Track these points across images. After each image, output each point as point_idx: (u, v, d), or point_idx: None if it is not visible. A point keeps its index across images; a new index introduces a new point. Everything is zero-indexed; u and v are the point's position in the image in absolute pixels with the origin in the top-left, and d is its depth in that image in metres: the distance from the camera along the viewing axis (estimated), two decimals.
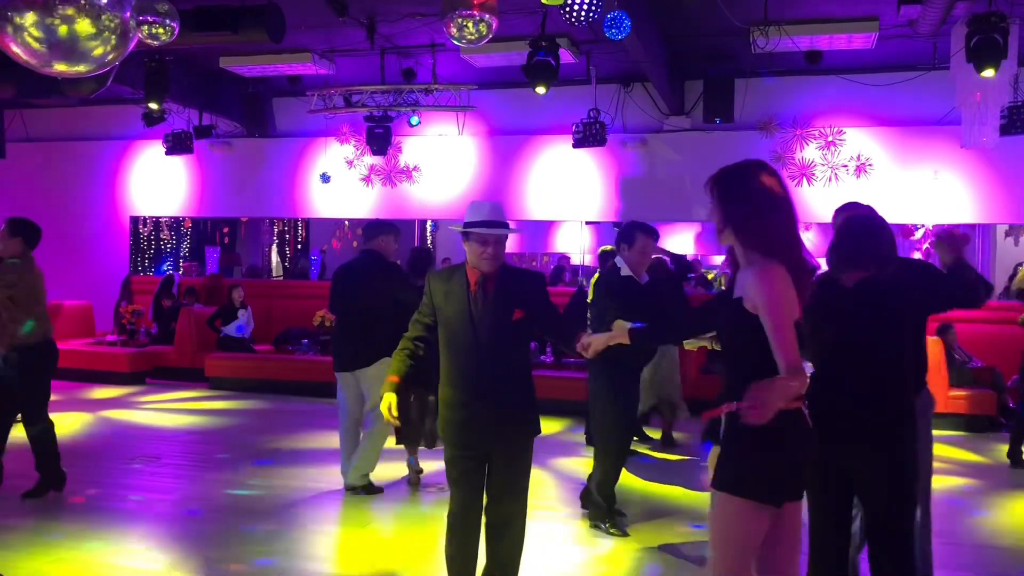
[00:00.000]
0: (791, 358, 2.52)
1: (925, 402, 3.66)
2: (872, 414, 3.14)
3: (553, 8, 6.71)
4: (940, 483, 6.45)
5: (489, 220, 3.61)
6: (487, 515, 3.59)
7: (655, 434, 7.76)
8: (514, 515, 3.60)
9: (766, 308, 2.56)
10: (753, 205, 2.64)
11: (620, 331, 3.34)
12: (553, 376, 9.04)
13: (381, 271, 5.91)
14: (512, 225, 3.72)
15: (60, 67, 3.47)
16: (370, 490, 5.95)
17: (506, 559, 3.61)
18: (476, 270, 3.63)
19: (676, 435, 7.71)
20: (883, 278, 3.23)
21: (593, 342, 3.45)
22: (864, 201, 3.81)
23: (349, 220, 13.54)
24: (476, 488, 3.56)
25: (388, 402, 3.57)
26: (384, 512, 5.67)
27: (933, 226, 12.16)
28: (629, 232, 5.12)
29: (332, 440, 6.76)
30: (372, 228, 6.11)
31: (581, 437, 7.69)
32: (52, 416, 7.89)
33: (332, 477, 6.26)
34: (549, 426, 7.98)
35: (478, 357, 3.54)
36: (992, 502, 6.16)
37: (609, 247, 7.75)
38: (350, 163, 11.91)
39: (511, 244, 15.35)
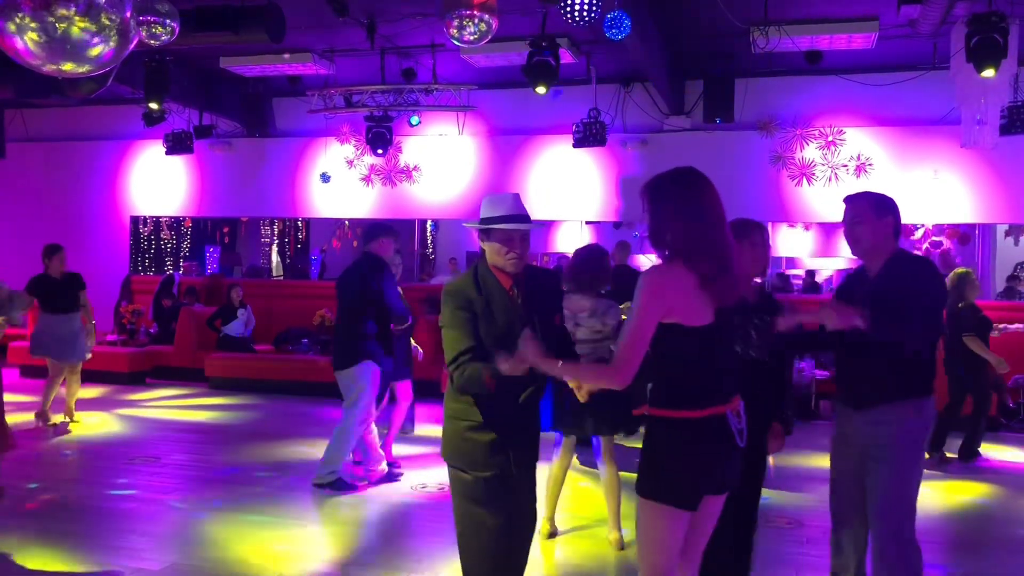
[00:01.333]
0: (624, 352, 2.60)
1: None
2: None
3: (553, 8, 6.71)
4: (938, 484, 6.45)
5: (514, 214, 3.19)
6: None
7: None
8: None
9: (633, 303, 2.63)
10: (676, 209, 2.71)
11: None
12: None
13: (363, 273, 5.93)
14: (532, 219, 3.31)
15: (62, 67, 3.48)
16: (339, 486, 5.96)
17: None
18: (502, 272, 3.22)
19: None
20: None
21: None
22: None
23: (349, 220, 13.56)
24: (509, 506, 3.25)
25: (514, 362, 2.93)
26: (383, 512, 5.67)
27: (933, 226, 12.19)
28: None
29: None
30: (371, 230, 6.14)
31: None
32: (52, 416, 7.94)
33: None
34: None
35: (532, 368, 3.04)
36: (992, 501, 6.16)
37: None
38: (350, 163, 11.92)
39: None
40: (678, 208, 2.70)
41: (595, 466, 5.23)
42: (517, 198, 3.26)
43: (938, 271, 3.58)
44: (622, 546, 4.84)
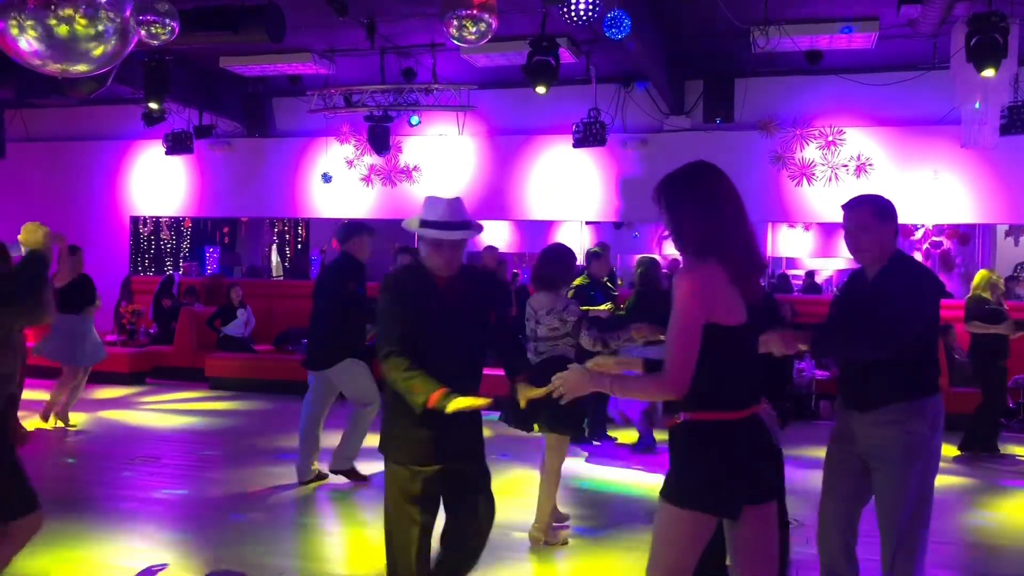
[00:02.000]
0: (675, 357, 2.50)
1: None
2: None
3: (553, 8, 6.71)
4: (939, 481, 6.45)
5: (445, 221, 3.23)
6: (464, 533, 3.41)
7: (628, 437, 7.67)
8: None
9: (674, 308, 2.54)
10: (700, 206, 2.60)
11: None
12: None
13: (331, 273, 5.99)
14: (473, 223, 3.36)
15: (60, 67, 3.48)
16: (353, 475, 6.03)
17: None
18: (437, 272, 3.31)
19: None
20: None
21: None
22: None
23: (349, 220, 13.55)
24: (434, 507, 3.32)
25: (465, 405, 3.07)
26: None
27: (933, 226, 12.18)
28: None
29: (332, 440, 6.76)
30: (344, 230, 6.11)
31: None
32: (53, 412, 7.92)
33: (333, 476, 6.27)
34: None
35: (458, 365, 3.23)
36: (990, 501, 6.16)
37: (597, 248, 7.70)
38: (350, 163, 11.92)
39: (512, 244, 15.43)
40: (700, 205, 2.60)
41: None
42: (454, 203, 3.28)
43: (932, 275, 3.55)
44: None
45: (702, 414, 2.55)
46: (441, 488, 3.30)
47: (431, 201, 3.31)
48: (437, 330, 3.23)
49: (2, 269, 3.90)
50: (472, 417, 3.27)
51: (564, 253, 5.13)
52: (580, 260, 12.04)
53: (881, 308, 3.27)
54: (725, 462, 2.53)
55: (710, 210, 2.58)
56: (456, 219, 3.26)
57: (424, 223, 3.26)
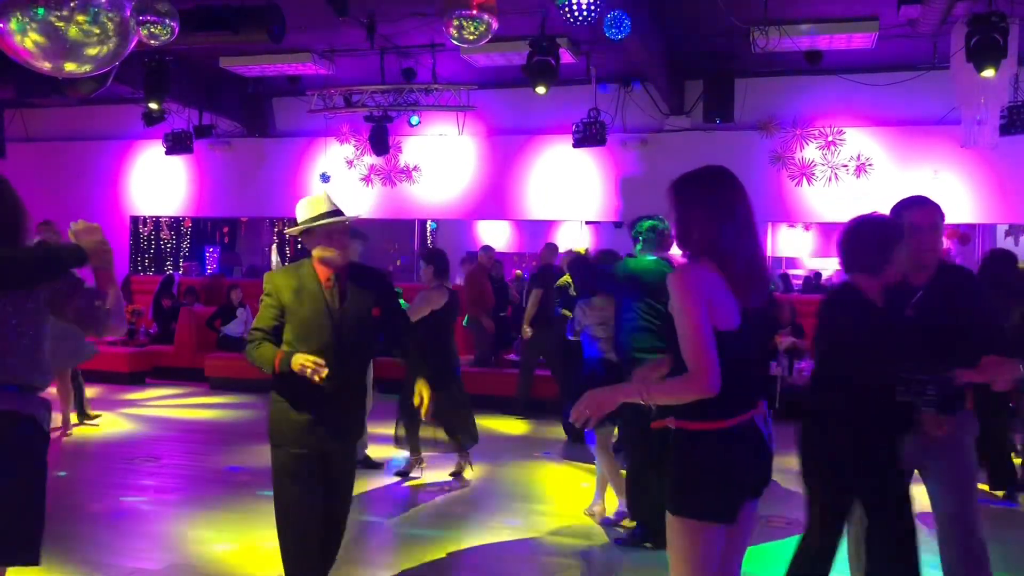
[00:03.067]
0: (694, 359, 2.45)
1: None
2: None
3: (553, 8, 6.71)
4: None
5: (333, 211, 3.49)
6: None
7: None
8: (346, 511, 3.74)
9: (676, 309, 2.51)
10: (708, 209, 2.59)
11: None
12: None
13: None
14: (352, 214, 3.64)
15: (61, 67, 3.48)
16: (368, 463, 6.34)
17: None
18: (325, 266, 3.50)
19: None
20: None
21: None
22: (864, 201, 3.76)
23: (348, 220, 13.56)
24: (313, 486, 3.57)
25: (302, 361, 3.32)
26: (383, 511, 5.66)
27: None
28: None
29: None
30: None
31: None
32: (53, 416, 7.90)
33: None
34: (554, 428, 7.99)
35: (340, 357, 3.42)
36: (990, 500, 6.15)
37: (582, 248, 7.74)
38: (350, 163, 11.92)
39: (512, 244, 15.41)
40: (709, 209, 2.58)
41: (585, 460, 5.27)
42: (329, 197, 3.55)
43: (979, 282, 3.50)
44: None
45: (694, 424, 2.53)
46: (319, 467, 3.54)
47: (310, 200, 3.53)
48: (311, 322, 3.44)
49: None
50: (352, 403, 3.59)
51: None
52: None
53: (980, 316, 3.22)
54: (719, 470, 2.52)
55: (718, 218, 2.57)
56: (338, 208, 3.52)
57: (309, 221, 3.46)
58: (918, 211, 3.29)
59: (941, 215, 3.33)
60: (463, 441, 6.13)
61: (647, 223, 4.89)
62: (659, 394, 2.57)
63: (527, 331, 8.39)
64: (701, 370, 2.43)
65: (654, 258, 4.82)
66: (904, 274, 3.27)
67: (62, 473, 6.52)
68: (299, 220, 3.50)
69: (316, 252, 3.49)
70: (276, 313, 3.47)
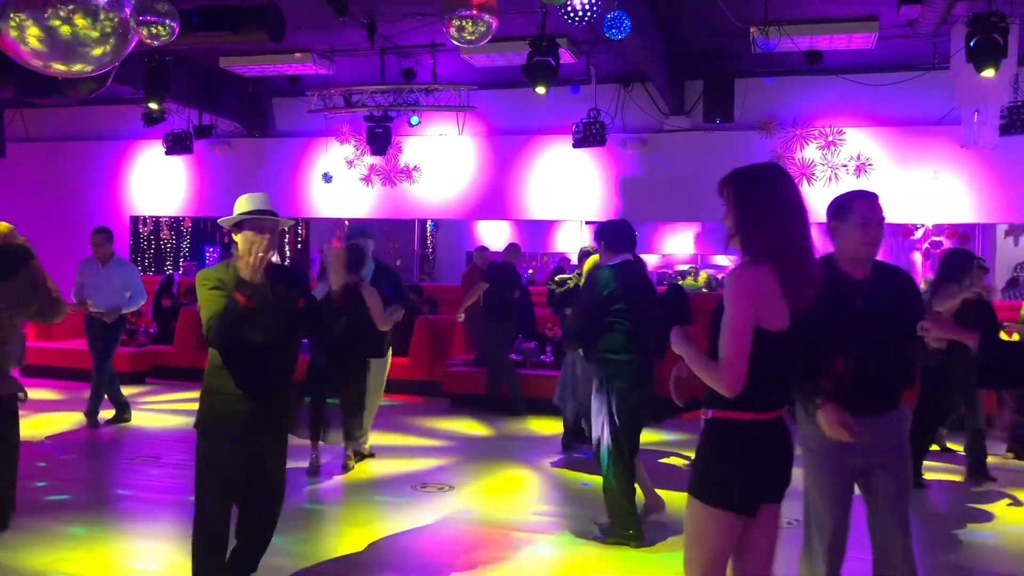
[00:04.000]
0: (727, 355, 2.51)
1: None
2: None
3: (553, 8, 6.71)
4: (936, 478, 6.45)
5: (265, 209, 3.76)
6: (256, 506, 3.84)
7: None
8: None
9: (726, 305, 2.55)
10: (768, 209, 2.60)
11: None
12: (553, 376, 9.00)
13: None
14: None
15: (60, 67, 3.48)
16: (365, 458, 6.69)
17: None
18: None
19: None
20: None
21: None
22: None
23: (349, 220, 13.56)
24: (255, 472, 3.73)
25: (250, 242, 3.64)
26: (383, 511, 5.66)
27: (933, 226, 12.18)
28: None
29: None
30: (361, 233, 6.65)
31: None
32: (53, 416, 7.93)
33: (333, 477, 6.27)
34: (552, 426, 7.99)
35: (269, 349, 3.67)
36: (988, 500, 6.15)
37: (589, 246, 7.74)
38: (350, 163, 11.92)
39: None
40: (776, 210, 2.59)
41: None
42: (267, 197, 3.85)
43: None
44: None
45: (731, 413, 2.58)
46: (247, 456, 3.68)
47: (248, 197, 3.82)
48: (252, 320, 3.59)
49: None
50: (280, 398, 3.77)
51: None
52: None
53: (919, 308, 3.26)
54: (751, 462, 2.59)
55: (779, 218, 2.58)
56: (273, 209, 3.81)
57: (246, 213, 3.72)
58: (868, 203, 3.22)
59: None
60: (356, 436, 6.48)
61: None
62: (695, 361, 2.63)
63: (461, 316, 9.08)
64: (728, 368, 2.50)
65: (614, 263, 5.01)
66: (841, 267, 3.21)
67: (68, 450, 6.52)
68: (236, 211, 3.78)
69: (242, 246, 3.69)
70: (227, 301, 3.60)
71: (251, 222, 3.70)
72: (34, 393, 8.32)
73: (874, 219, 3.20)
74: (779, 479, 2.66)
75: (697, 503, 2.64)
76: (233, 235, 3.81)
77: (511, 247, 9.69)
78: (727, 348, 2.51)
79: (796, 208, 2.61)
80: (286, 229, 3.81)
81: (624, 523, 4.86)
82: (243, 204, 3.80)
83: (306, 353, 6.85)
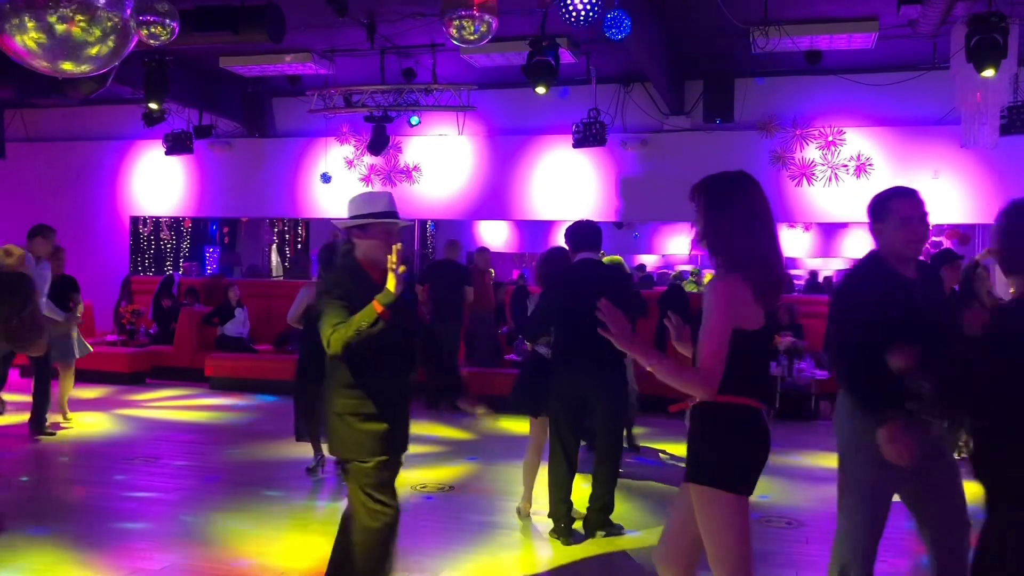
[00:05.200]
0: (706, 361, 2.65)
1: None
2: None
3: (553, 8, 6.71)
4: None
5: (391, 211, 3.41)
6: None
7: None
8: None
9: (707, 312, 2.69)
10: (736, 219, 2.73)
11: None
12: None
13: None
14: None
15: (63, 67, 3.48)
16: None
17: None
18: (374, 268, 3.38)
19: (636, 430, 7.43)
20: None
21: None
22: (864, 201, 3.67)
23: None
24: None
25: (392, 262, 3.25)
26: None
27: (933, 226, 12.17)
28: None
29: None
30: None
31: None
32: (53, 415, 7.93)
33: (332, 477, 6.28)
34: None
35: (408, 361, 3.48)
36: None
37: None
38: (350, 163, 11.92)
39: (512, 245, 15.41)
40: (738, 222, 2.73)
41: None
42: (392, 197, 3.48)
43: None
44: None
45: (732, 398, 2.69)
46: (391, 476, 3.46)
47: (368, 196, 3.48)
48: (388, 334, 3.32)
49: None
50: (406, 414, 3.56)
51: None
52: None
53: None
54: (755, 445, 2.73)
55: (746, 228, 2.72)
56: (397, 210, 3.46)
57: (369, 216, 3.38)
58: (907, 201, 3.17)
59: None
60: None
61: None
62: (664, 370, 2.69)
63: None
64: (707, 371, 2.64)
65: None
66: (891, 266, 3.15)
67: (68, 450, 6.52)
68: (356, 212, 3.41)
69: (366, 250, 3.41)
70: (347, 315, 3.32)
71: (379, 227, 3.38)
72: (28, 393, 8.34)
73: (915, 216, 3.13)
74: (760, 465, 2.78)
75: (717, 493, 2.66)
76: (353, 238, 3.46)
77: (453, 244, 9.64)
78: (707, 354, 2.65)
79: (764, 216, 2.75)
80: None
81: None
82: (365, 204, 3.43)
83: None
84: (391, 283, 3.21)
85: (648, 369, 2.71)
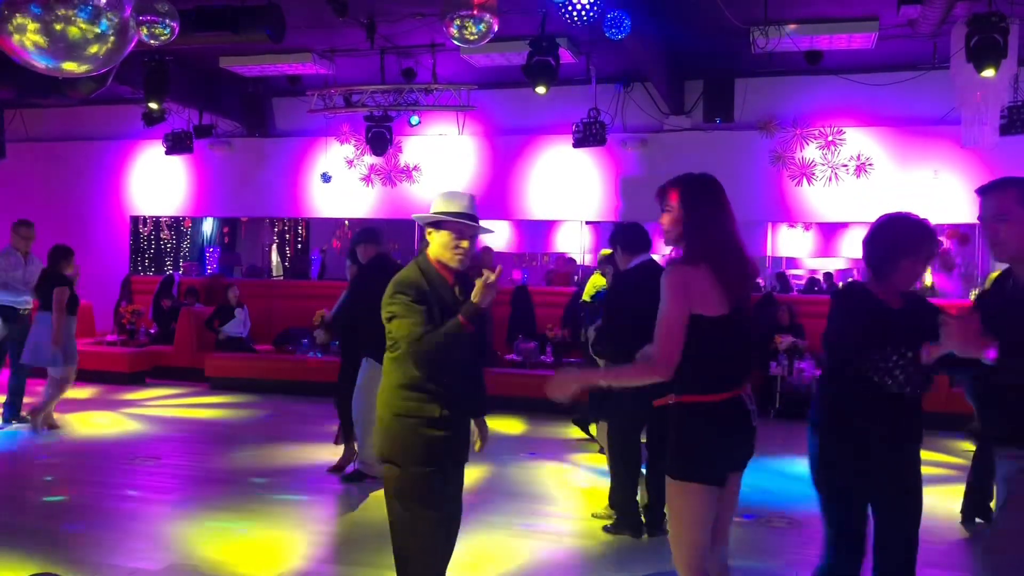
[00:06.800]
0: (661, 344, 2.84)
1: None
2: None
3: (553, 8, 6.71)
4: (935, 478, 6.46)
5: (470, 213, 3.31)
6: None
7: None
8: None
9: (662, 300, 2.87)
10: (710, 214, 2.94)
11: None
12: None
13: (376, 272, 6.23)
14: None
15: (63, 67, 3.47)
16: (354, 478, 6.29)
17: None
18: (446, 268, 3.33)
19: None
20: None
21: None
22: (864, 201, 3.70)
23: (349, 220, 13.57)
24: (447, 500, 3.41)
25: (485, 279, 3.17)
26: (383, 512, 5.65)
27: (933, 226, 12.17)
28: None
29: (332, 440, 6.78)
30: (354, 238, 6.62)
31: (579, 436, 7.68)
32: (54, 416, 7.93)
33: (332, 477, 6.28)
34: (557, 430, 8.00)
35: (472, 365, 3.40)
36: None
37: (608, 251, 7.70)
38: (350, 163, 11.92)
39: (512, 245, 15.44)
40: (711, 216, 2.93)
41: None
42: (473, 199, 3.38)
43: None
44: None
45: (690, 397, 2.90)
46: (439, 485, 3.34)
47: (451, 194, 3.35)
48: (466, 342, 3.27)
49: None
50: (468, 422, 3.45)
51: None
52: (582, 261, 12.03)
53: None
54: (713, 438, 2.89)
55: (715, 226, 2.93)
56: (476, 214, 3.35)
57: (447, 214, 3.28)
58: (982, 200, 2.87)
59: (1015, 201, 2.77)
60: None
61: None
62: (621, 377, 3.08)
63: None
64: (662, 358, 2.84)
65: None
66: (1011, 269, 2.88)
67: (68, 450, 6.52)
68: (436, 209, 3.31)
69: (436, 249, 3.32)
70: (430, 319, 3.20)
71: (451, 226, 3.27)
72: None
73: (985, 218, 2.83)
74: (743, 452, 3.00)
75: (677, 483, 2.92)
76: (428, 235, 3.35)
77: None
78: (662, 338, 2.84)
79: (729, 215, 2.98)
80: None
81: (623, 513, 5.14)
82: (443, 202, 3.32)
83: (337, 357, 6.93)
84: (477, 294, 3.16)
85: (605, 386, 2.92)
